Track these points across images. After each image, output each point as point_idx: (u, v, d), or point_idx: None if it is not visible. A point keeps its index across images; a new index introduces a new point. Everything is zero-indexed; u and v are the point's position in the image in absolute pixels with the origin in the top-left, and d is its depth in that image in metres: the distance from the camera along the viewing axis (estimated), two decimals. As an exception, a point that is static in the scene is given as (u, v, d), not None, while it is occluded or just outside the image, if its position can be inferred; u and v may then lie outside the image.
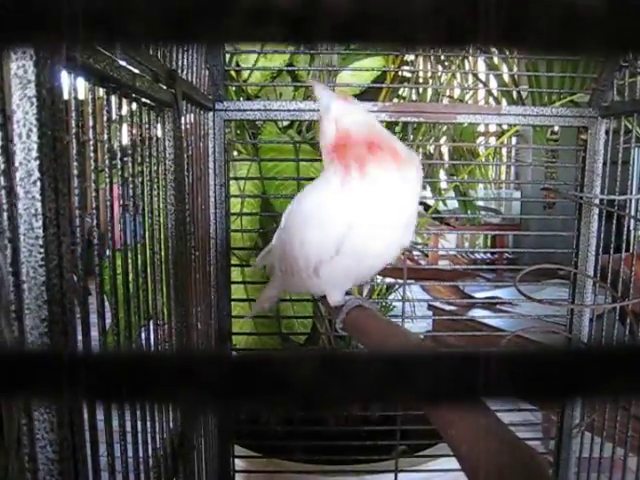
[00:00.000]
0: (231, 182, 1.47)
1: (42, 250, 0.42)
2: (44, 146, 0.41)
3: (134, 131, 0.70)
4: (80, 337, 0.51)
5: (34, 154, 0.40)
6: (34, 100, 0.40)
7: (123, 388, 0.18)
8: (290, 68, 1.74)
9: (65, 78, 0.47)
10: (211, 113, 1.26)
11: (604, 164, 1.36)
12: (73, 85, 0.49)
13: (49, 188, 0.42)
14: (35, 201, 0.41)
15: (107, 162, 0.58)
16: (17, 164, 0.41)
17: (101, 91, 0.58)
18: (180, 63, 0.95)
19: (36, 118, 0.40)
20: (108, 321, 0.61)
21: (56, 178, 0.43)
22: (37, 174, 0.41)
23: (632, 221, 1.38)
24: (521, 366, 0.18)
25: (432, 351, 0.18)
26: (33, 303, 0.42)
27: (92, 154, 0.54)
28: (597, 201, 1.35)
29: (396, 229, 0.90)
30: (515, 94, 1.93)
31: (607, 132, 1.35)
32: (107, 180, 0.59)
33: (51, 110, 0.42)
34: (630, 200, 1.29)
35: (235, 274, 1.56)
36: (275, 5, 0.15)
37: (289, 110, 1.30)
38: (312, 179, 1.16)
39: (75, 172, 0.50)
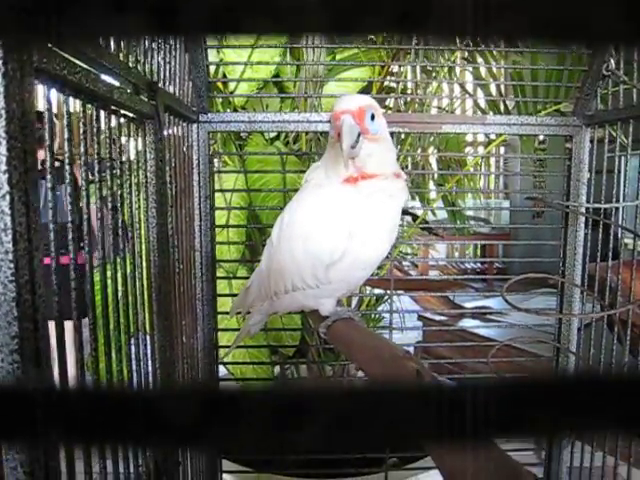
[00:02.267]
0: (217, 194, 1.46)
1: (12, 265, 0.41)
2: (13, 159, 0.40)
3: (113, 143, 0.69)
4: (55, 354, 0.50)
5: (3, 167, 0.39)
6: (2, 112, 0.39)
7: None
8: (276, 79, 1.74)
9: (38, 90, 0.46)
10: (195, 125, 1.25)
11: (589, 172, 1.36)
12: (46, 96, 0.49)
13: (19, 202, 0.41)
14: (4, 215, 0.40)
15: (83, 175, 0.57)
16: (-16, 178, 0.40)
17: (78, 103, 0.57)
18: (162, 75, 0.94)
19: (4, 130, 0.39)
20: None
21: (27, 191, 0.42)
22: (6, 187, 0.40)
23: (619, 229, 1.38)
24: (507, 404, 0.17)
25: (408, 386, 0.17)
26: (2, 319, 0.41)
27: (67, 167, 0.53)
28: (583, 210, 1.35)
29: (386, 237, 0.95)
30: (501, 104, 1.94)
31: (592, 141, 1.35)
32: (84, 193, 0.58)
33: (21, 122, 0.41)
34: (616, 208, 1.29)
35: (222, 286, 1.55)
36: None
37: (274, 121, 1.30)
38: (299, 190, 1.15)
39: (49, 185, 0.49)
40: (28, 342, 0.42)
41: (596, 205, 1.27)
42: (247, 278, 1.63)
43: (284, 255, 0.98)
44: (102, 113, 0.64)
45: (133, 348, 0.77)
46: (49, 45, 0.47)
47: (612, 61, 1.20)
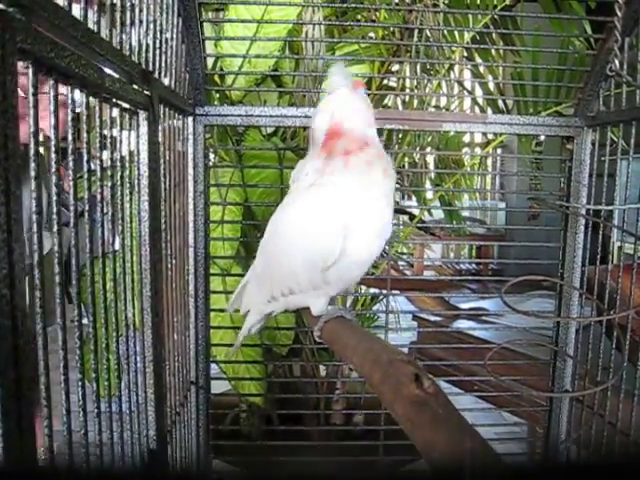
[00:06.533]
0: (212, 189, 1.44)
1: (-11, 258, 0.38)
2: (-7, 145, 0.38)
3: (104, 133, 0.66)
4: (39, 354, 0.47)
5: (-20, 153, 0.37)
6: (-20, 94, 0.37)
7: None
8: (275, 73, 1.72)
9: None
10: (191, 118, 1.23)
11: (590, 176, 1.34)
12: (32, 81, 0.46)
13: (-2, 190, 0.38)
14: (-19, 205, 0.38)
15: (71, 164, 0.54)
16: (-39, 164, 0.37)
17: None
18: (157, 65, 0.92)
19: (-17, 114, 0.37)
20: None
21: (7, 179, 0.39)
22: (-16, 175, 0.37)
23: (618, 232, 1.36)
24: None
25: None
26: (-23, 316, 0.38)
27: (54, 155, 0.51)
28: (583, 211, 1.33)
29: (378, 232, 0.89)
30: (501, 103, 1.92)
31: (593, 143, 1.33)
32: (71, 183, 0.55)
33: (2, 106, 0.39)
34: (616, 211, 1.27)
35: (215, 283, 1.52)
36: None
37: (271, 116, 1.27)
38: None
39: (32, 174, 0.46)
40: (5, 341, 0.39)
41: (598, 207, 1.25)
42: (242, 275, 1.61)
43: (279, 259, 0.94)
44: (93, 101, 0.61)
45: (122, 345, 0.74)
46: (35, 26, 0.44)
47: (616, 62, 1.18)
